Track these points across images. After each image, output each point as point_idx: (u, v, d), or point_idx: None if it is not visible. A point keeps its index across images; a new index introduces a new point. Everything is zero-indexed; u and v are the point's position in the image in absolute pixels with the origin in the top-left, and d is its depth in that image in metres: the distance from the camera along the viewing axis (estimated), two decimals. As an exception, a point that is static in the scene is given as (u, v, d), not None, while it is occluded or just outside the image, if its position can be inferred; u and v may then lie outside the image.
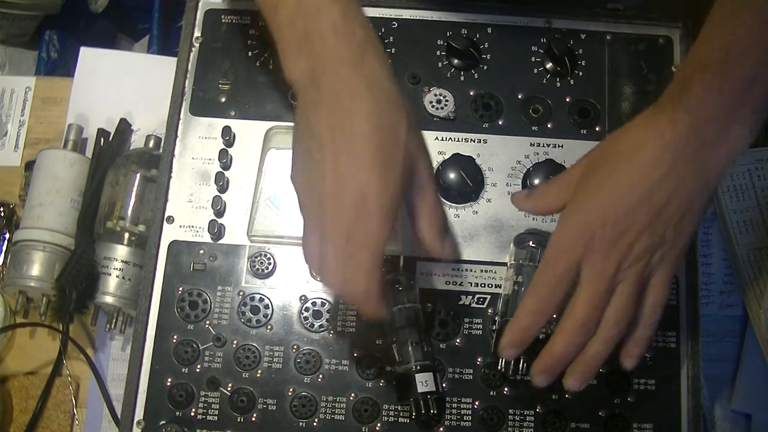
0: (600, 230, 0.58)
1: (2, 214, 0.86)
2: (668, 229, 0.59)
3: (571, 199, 0.62)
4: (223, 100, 0.80)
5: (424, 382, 0.69)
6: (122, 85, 0.91)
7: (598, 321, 0.60)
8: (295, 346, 0.74)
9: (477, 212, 0.77)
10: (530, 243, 0.72)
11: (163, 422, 0.72)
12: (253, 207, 0.77)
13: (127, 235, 0.79)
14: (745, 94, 0.57)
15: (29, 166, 0.86)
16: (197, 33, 0.82)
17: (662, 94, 0.60)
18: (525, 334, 0.62)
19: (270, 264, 0.75)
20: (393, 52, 0.80)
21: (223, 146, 0.78)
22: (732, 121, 0.57)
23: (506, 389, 0.73)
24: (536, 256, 0.71)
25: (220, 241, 0.76)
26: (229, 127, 0.78)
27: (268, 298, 0.74)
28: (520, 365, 0.70)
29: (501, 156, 0.78)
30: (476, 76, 0.80)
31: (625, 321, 0.60)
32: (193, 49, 0.81)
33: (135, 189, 0.81)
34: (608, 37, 0.81)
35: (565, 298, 0.61)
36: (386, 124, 0.58)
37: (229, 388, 0.73)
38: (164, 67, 0.87)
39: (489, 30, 0.81)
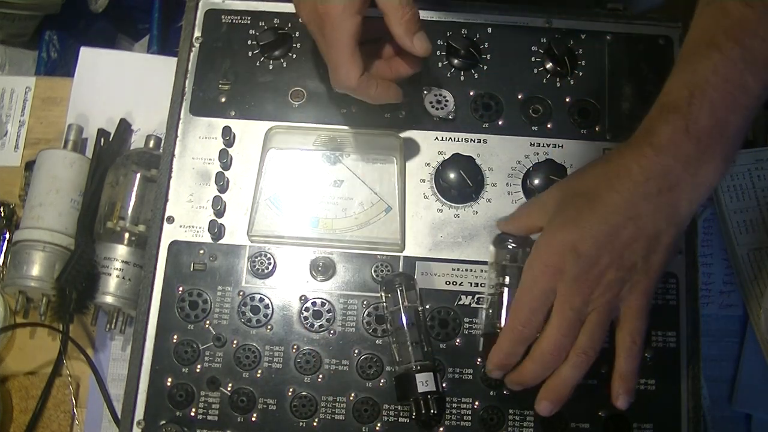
0: (571, 261, 0.61)
1: (2, 214, 0.86)
2: (637, 262, 0.61)
3: (547, 225, 0.64)
4: (223, 100, 0.80)
5: (424, 382, 0.69)
6: (122, 85, 0.91)
7: (569, 348, 0.62)
8: (295, 346, 0.74)
9: (477, 212, 0.77)
10: (510, 243, 0.71)
11: (163, 422, 0.72)
12: (253, 207, 0.77)
13: (127, 235, 0.79)
14: (714, 137, 0.57)
15: (29, 166, 0.86)
16: (197, 33, 0.82)
17: (635, 133, 0.62)
18: (508, 359, 0.65)
19: (270, 264, 0.75)
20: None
21: (223, 146, 0.78)
22: (701, 161, 0.58)
23: (506, 389, 0.72)
24: (517, 256, 0.70)
25: (220, 241, 0.76)
26: (229, 127, 0.78)
27: (268, 298, 0.74)
28: None
29: (501, 156, 0.78)
30: (476, 76, 0.80)
31: (595, 349, 0.62)
32: (193, 49, 0.81)
33: (135, 189, 0.81)
34: (608, 37, 0.81)
35: (543, 321, 0.63)
36: None
37: (229, 388, 0.73)
38: (164, 67, 0.87)
39: (489, 30, 0.81)
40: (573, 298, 0.61)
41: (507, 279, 0.70)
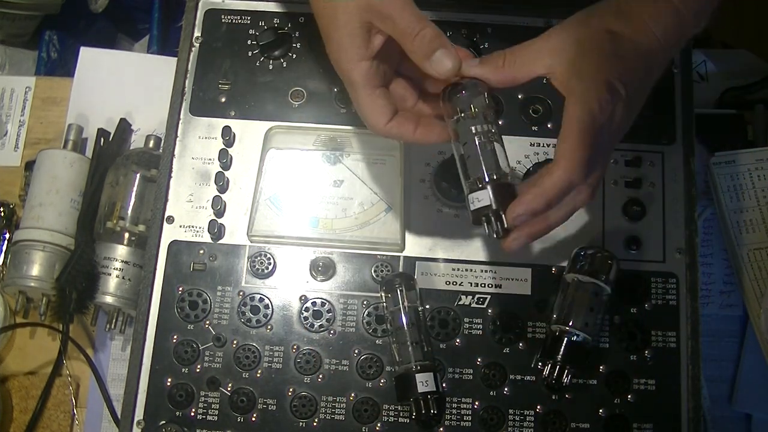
0: (618, 98, 0.59)
1: (2, 214, 0.86)
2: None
3: (577, 63, 0.59)
4: (223, 100, 0.80)
5: (424, 382, 0.69)
6: (122, 85, 0.91)
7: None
8: (295, 346, 0.74)
9: (477, 212, 0.76)
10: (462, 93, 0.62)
11: (163, 422, 0.72)
12: (253, 207, 0.77)
13: (127, 235, 0.79)
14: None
15: (29, 166, 0.86)
16: (197, 33, 0.82)
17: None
18: (546, 210, 0.60)
19: (270, 264, 0.75)
20: (393, 52, 0.81)
21: (223, 146, 0.78)
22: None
23: (506, 389, 0.73)
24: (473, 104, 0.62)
25: (220, 241, 0.76)
26: (229, 127, 0.78)
27: (268, 298, 0.74)
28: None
29: (501, 156, 0.78)
30: (476, 76, 0.80)
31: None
32: (193, 49, 0.81)
33: (135, 189, 0.81)
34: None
35: None
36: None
37: (229, 388, 0.73)
38: (164, 67, 0.87)
39: (489, 30, 0.81)
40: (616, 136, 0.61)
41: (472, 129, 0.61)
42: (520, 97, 0.79)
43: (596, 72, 0.59)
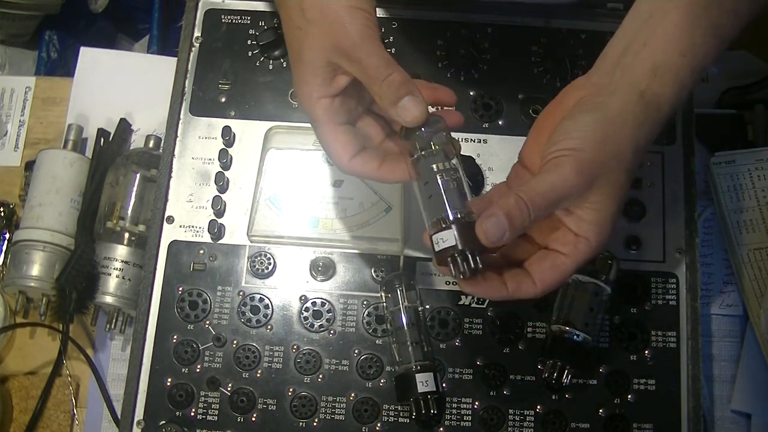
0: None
1: (2, 214, 0.86)
2: None
3: (600, 202, 0.58)
4: (223, 100, 0.80)
5: (424, 382, 0.69)
6: (122, 85, 0.91)
7: None
8: (295, 346, 0.74)
9: (477, 212, 0.76)
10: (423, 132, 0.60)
11: (163, 422, 0.72)
12: (253, 207, 0.77)
13: (127, 235, 0.79)
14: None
15: (29, 166, 0.86)
16: (197, 33, 0.82)
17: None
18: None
19: (270, 264, 0.75)
20: (393, 52, 0.81)
21: (223, 146, 0.78)
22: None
23: (506, 389, 0.73)
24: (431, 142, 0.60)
25: (220, 241, 0.76)
26: (229, 127, 0.78)
27: (268, 298, 0.74)
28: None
29: (501, 156, 0.78)
30: (476, 76, 0.80)
31: None
32: (193, 49, 0.81)
33: (135, 189, 0.81)
34: (608, 37, 0.81)
35: None
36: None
37: (229, 388, 0.73)
38: (164, 67, 0.87)
39: (489, 30, 0.81)
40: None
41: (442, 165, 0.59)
42: (520, 97, 0.79)
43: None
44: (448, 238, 0.56)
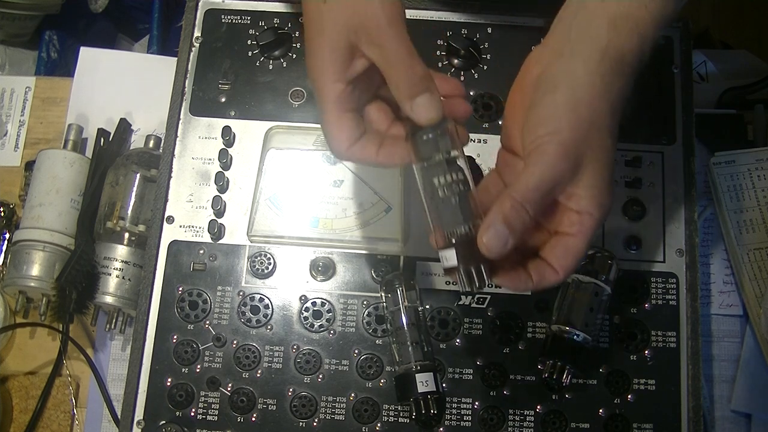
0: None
1: (2, 214, 0.86)
2: None
3: (594, 188, 0.57)
4: (223, 100, 0.80)
5: (424, 382, 0.69)
6: (122, 85, 0.91)
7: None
8: (295, 346, 0.74)
9: (477, 212, 0.76)
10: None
11: (163, 422, 0.72)
12: (253, 207, 0.77)
13: (127, 235, 0.79)
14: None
15: (29, 166, 0.86)
16: (197, 33, 0.82)
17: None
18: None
19: (270, 264, 0.75)
20: (393, 52, 0.80)
21: (223, 146, 0.78)
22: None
23: (506, 389, 0.73)
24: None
25: (220, 241, 0.76)
26: (229, 127, 0.78)
27: (268, 298, 0.74)
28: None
29: (501, 156, 0.78)
30: (476, 76, 0.80)
31: None
32: (193, 49, 0.81)
33: (135, 189, 0.81)
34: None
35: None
36: None
37: (229, 388, 0.73)
38: (164, 67, 0.87)
39: (489, 30, 0.81)
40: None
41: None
42: (520, 97, 0.79)
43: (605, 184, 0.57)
44: (450, 257, 0.56)
